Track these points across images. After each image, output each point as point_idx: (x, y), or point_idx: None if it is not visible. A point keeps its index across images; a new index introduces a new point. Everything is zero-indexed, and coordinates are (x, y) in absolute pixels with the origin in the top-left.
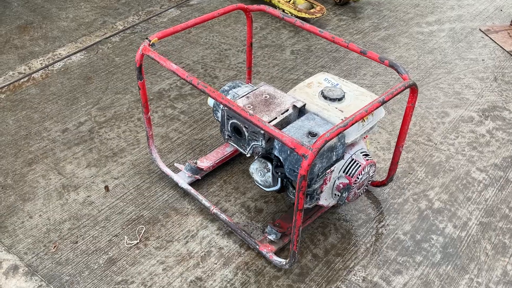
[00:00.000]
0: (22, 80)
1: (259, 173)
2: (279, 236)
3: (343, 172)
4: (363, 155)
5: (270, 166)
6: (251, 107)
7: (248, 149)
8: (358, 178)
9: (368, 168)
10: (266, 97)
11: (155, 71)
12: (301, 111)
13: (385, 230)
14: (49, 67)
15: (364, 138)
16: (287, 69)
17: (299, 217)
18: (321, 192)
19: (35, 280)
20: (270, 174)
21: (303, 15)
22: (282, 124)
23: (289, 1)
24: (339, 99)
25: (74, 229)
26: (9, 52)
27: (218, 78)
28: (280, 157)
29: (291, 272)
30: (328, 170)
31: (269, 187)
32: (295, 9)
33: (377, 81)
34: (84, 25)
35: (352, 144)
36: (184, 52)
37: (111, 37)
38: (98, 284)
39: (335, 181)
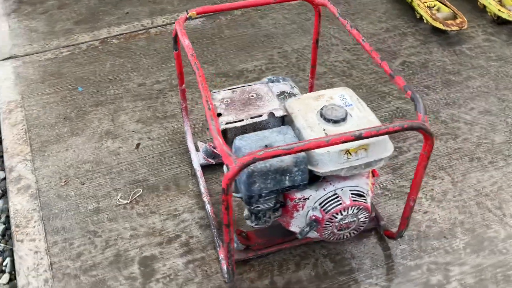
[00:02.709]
0: (138, 32)
1: None
2: (241, 246)
3: (319, 204)
4: (352, 193)
5: None
6: (228, 102)
7: None
8: (335, 216)
9: (354, 211)
10: (252, 95)
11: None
12: (285, 122)
13: None
14: (167, 26)
15: (373, 176)
16: (384, 80)
17: (225, 232)
18: (290, 218)
19: (34, 204)
20: None
21: (438, 25)
22: (251, 129)
23: (433, 7)
24: (335, 121)
25: (89, 172)
26: (146, 5)
27: (305, 72)
28: None
29: None
30: (300, 196)
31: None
32: (431, 17)
33: (482, 121)
34: None
35: (343, 178)
36: (292, 37)
37: (237, 11)
38: (72, 226)
39: (309, 210)
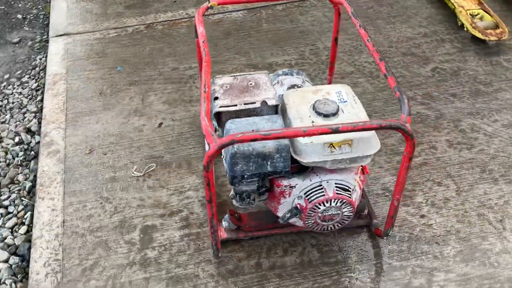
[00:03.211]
0: (182, 20)
1: None
2: (232, 226)
3: (304, 193)
4: (337, 187)
5: None
6: (227, 87)
7: None
8: (317, 207)
9: (337, 203)
10: (251, 84)
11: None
12: (279, 111)
13: (348, 283)
14: (209, 16)
15: (362, 173)
16: (410, 85)
17: (208, 208)
18: (277, 203)
19: (59, 167)
20: None
21: (476, 33)
22: (244, 115)
23: (476, 15)
24: (326, 115)
25: (113, 144)
26: None
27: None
28: None
29: (224, 265)
30: (287, 184)
31: None
32: (471, 25)
33: (503, 134)
34: None
35: (330, 171)
36: (327, 35)
37: (277, 5)
38: (88, 191)
39: (295, 199)
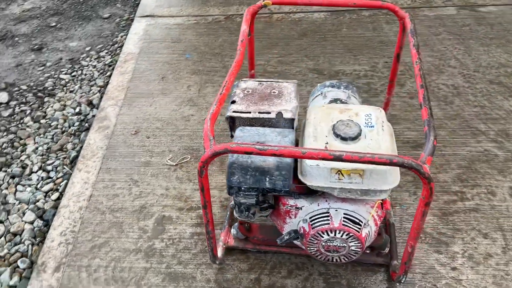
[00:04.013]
0: (262, 15)
1: None
2: (240, 235)
3: (309, 217)
4: (346, 217)
5: None
6: (249, 92)
7: None
8: (320, 234)
9: (343, 235)
10: (274, 92)
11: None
12: (298, 126)
13: None
14: (291, 13)
15: (380, 207)
16: (486, 118)
17: (203, 213)
18: (282, 222)
19: (104, 143)
20: None
21: None
22: (259, 124)
23: None
24: (343, 138)
25: (158, 129)
26: None
27: (402, 87)
28: None
29: (223, 273)
30: (293, 204)
31: None
32: None
33: None
34: None
35: (342, 199)
36: (408, 49)
37: (363, 11)
38: (122, 171)
39: (300, 221)
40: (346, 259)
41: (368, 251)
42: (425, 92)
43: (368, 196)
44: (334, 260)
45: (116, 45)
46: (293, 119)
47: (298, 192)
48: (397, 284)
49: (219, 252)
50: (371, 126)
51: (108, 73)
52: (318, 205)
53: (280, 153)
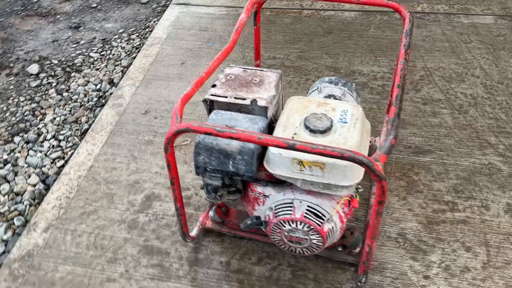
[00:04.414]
0: (292, 10)
1: None
2: (217, 218)
3: (274, 206)
4: (308, 210)
5: None
6: (231, 78)
7: None
8: (282, 224)
9: (304, 227)
10: (254, 80)
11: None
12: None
13: None
14: (321, 11)
15: (348, 205)
16: (499, 131)
17: (171, 191)
18: (252, 208)
19: (114, 119)
20: None
21: None
22: (235, 109)
23: None
24: (312, 131)
25: (166, 111)
26: None
27: (418, 92)
28: None
29: (196, 253)
30: (261, 192)
31: None
32: None
33: None
34: None
35: (308, 192)
36: (434, 55)
37: (396, 13)
38: (125, 146)
39: (267, 209)
40: (308, 252)
41: (340, 249)
42: (400, 93)
43: (330, 191)
44: (297, 252)
45: (147, 29)
46: (266, 107)
47: (266, 180)
48: (359, 283)
49: (194, 232)
50: (344, 122)
51: (134, 55)
52: (284, 195)
53: (237, 137)
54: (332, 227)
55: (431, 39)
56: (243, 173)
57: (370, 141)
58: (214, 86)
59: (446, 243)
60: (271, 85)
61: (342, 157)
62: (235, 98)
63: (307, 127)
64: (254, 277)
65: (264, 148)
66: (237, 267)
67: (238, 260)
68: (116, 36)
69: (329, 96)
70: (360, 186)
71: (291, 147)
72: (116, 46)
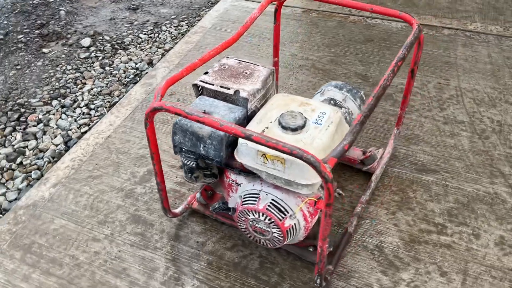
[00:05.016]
0: (339, 14)
1: None
2: (202, 200)
3: (243, 194)
4: (272, 203)
5: None
6: (225, 68)
7: None
8: (247, 213)
9: (267, 220)
10: (245, 72)
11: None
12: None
13: None
14: (367, 18)
15: (313, 206)
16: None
17: (152, 164)
18: (227, 195)
19: (141, 96)
20: None
21: None
22: (221, 98)
23: None
24: (284, 127)
25: (189, 96)
26: None
27: (443, 112)
28: None
29: (178, 229)
30: (234, 179)
31: None
32: None
33: None
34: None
35: (275, 186)
36: (471, 76)
37: (445, 29)
38: (143, 122)
39: (238, 197)
40: (271, 245)
41: (311, 249)
42: (373, 102)
43: (292, 188)
44: (261, 243)
45: (197, 18)
46: (247, 99)
47: (239, 169)
48: (315, 285)
49: (179, 209)
50: (318, 124)
51: (177, 41)
52: (253, 186)
53: (202, 121)
54: (295, 224)
55: (473, 59)
56: (212, 158)
57: (370, 151)
58: (206, 73)
59: (422, 263)
60: (259, 79)
61: (291, 154)
62: (221, 86)
63: (280, 123)
64: (224, 261)
65: (237, 137)
66: (210, 249)
67: (214, 243)
68: (168, 21)
69: (330, 100)
70: (341, 191)
71: (247, 137)
72: (165, 31)
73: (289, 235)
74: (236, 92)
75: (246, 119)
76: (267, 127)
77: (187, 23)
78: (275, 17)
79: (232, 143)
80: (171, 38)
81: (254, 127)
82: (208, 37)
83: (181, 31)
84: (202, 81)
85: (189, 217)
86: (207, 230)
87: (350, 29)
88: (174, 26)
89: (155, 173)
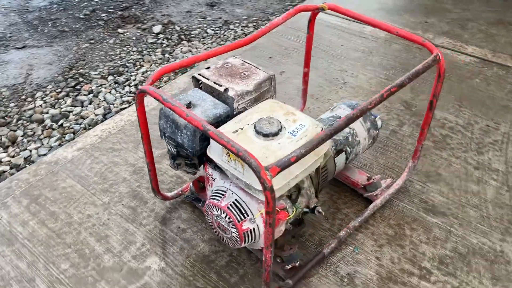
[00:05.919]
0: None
1: None
2: (192, 189)
3: (214, 189)
4: (234, 203)
5: None
6: (227, 66)
7: None
8: (211, 207)
9: (227, 218)
10: (243, 73)
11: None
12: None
13: None
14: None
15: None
16: None
17: (143, 145)
18: (207, 188)
19: (185, 85)
20: None
21: None
22: (214, 93)
23: None
24: (257, 132)
25: None
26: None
27: (480, 156)
28: None
29: (167, 212)
30: (210, 173)
31: None
32: None
33: None
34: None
35: (242, 188)
36: None
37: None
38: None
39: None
40: (230, 244)
41: (278, 260)
42: (342, 122)
43: (251, 191)
44: (223, 240)
45: (266, 22)
46: (233, 99)
47: (215, 164)
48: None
49: (172, 193)
50: (293, 135)
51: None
52: (224, 183)
53: (173, 109)
54: (254, 229)
55: None
56: (187, 148)
57: (373, 179)
58: (208, 68)
59: None
60: (253, 82)
61: (237, 154)
62: (214, 82)
63: (254, 127)
64: (195, 251)
65: None
66: (188, 237)
67: (193, 232)
68: (238, 21)
69: (336, 117)
70: (320, 210)
71: (204, 131)
72: (232, 29)
73: (246, 238)
74: (226, 90)
75: (230, 118)
76: (242, 128)
77: (255, 25)
78: (308, 27)
79: (208, 137)
80: (235, 37)
81: (230, 126)
82: (265, 40)
83: (246, 32)
84: (199, 74)
85: (182, 204)
86: (192, 219)
87: (414, 54)
88: (241, 26)
89: (144, 153)
